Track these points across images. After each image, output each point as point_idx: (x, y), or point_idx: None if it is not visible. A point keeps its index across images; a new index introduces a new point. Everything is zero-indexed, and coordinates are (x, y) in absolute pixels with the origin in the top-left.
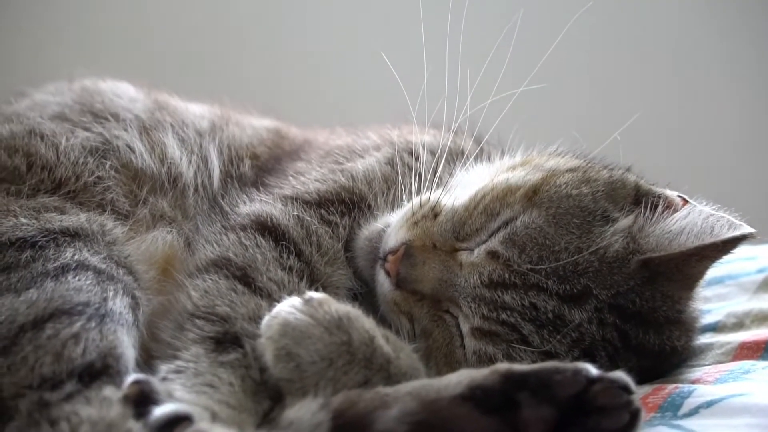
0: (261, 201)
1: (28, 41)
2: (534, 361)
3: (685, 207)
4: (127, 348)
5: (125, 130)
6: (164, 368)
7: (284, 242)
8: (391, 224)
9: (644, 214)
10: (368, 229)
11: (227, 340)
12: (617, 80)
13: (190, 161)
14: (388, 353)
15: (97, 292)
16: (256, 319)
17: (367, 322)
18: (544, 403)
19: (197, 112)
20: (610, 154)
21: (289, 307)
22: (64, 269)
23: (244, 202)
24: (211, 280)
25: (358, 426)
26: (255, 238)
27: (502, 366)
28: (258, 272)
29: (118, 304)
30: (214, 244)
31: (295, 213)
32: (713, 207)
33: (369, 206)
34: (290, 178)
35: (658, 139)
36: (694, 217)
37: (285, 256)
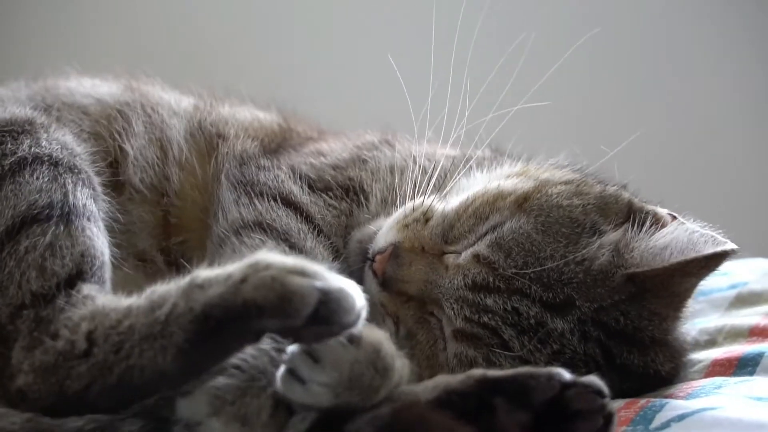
0: (281, 176)
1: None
2: (513, 367)
3: (673, 223)
4: (98, 240)
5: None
6: None
7: (308, 220)
8: (383, 227)
9: (632, 230)
10: (361, 232)
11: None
12: (620, 100)
13: None
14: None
15: (56, 189)
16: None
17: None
18: (519, 408)
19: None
20: (608, 171)
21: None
22: (20, 164)
23: (266, 175)
24: (259, 239)
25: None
26: (285, 209)
27: (477, 371)
28: (298, 239)
29: (80, 197)
30: (249, 207)
31: (311, 198)
32: (701, 224)
33: (368, 204)
34: (310, 158)
35: (659, 157)
36: (680, 233)
37: (315, 231)
